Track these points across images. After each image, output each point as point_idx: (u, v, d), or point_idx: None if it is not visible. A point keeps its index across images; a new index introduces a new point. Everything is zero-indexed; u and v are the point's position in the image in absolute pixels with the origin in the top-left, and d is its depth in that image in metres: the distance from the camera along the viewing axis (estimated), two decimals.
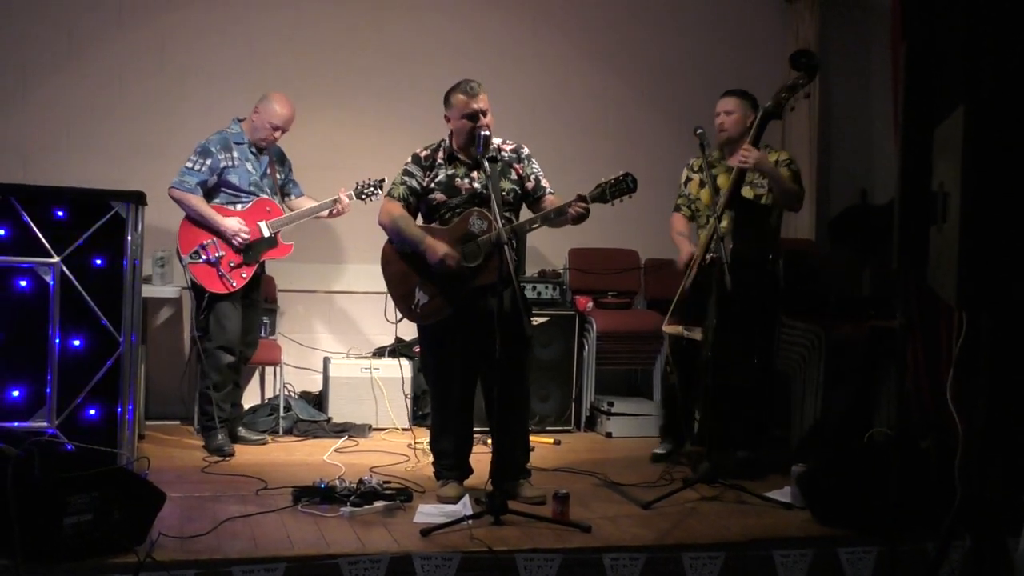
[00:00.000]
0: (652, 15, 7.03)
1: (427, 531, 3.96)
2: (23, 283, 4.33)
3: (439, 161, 4.61)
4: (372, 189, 5.58)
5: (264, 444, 5.60)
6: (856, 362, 5.73)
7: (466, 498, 4.36)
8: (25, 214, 4.32)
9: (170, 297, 5.91)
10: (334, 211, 5.56)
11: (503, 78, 6.29)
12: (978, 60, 4.11)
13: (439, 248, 4.45)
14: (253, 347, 5.70)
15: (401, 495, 4.42)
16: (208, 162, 5.34)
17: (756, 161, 4.92)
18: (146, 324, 5.78)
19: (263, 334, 5.91)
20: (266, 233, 5.41)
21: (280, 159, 5.65)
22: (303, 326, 6.49)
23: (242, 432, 5.61)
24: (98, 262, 4.40)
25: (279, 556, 3.66)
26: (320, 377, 6.28)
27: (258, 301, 5.65)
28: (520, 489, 4.56)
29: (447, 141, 4.64)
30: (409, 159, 4.66)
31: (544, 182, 4.67)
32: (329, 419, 6.00)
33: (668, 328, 5.14)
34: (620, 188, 4.36)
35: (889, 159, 6.55)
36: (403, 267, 4.60)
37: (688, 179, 5.40)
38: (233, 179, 5.39)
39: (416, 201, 4.62)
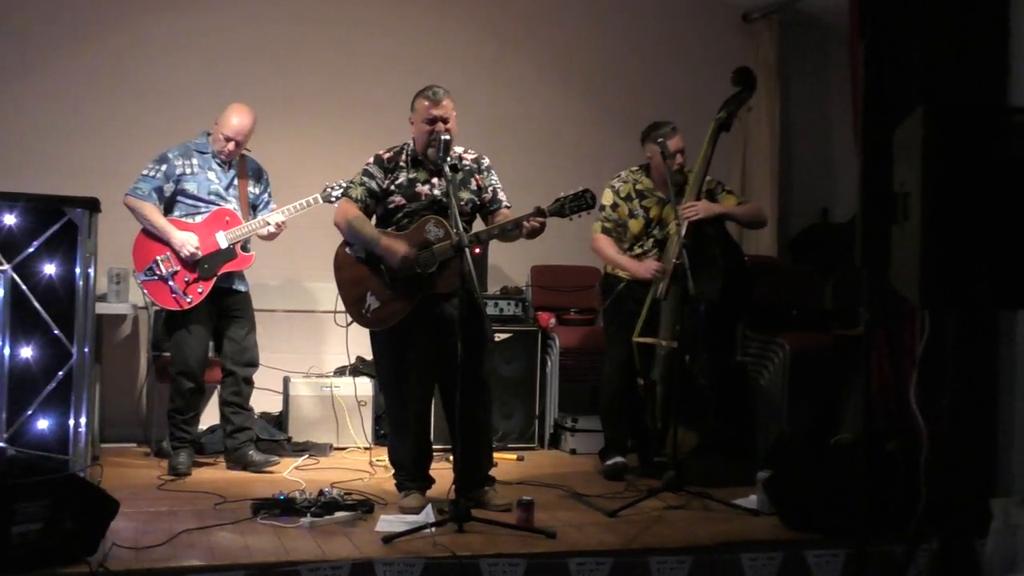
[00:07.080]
0: (612, 36, 7.06)
1: (389, 538, 3.89)
2: None
3: (401, 164, 4.58)
4: (341, 191, 5.27)
5: (275, 465, 5.32)
6: (821, 372, 5.74)
7: (428, 508, 4.28)
8: None
9: (126, 315, 5.79)
10: (268, 233, 5.29)
11: (466, 96, 6.21)
12: (935, 60, 4.16)
13: (398, 248, 4.40)
14: (252, 367, 5.42)
15: (363, 506, 4.35)
16: (164, 168, 5.21)
17: (705, 212, 5.03)
18: (102, 343, 5.65)
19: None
20: (223, 244, 5.22)
21: (256, 175, 5.46)
22: (262, 345, 6.30)
23: (253, 456, 5.32)
24: (50, 271, 4.28)
25: (237, 564, 3.57)
26: (280, 397, 6.18)
27: (239, 318, 5.36)
28: (485, 497, 4.50)
29: (411, 145, 4.61)
30: (371, 160, 4.61)
31: (501, 195, 4.67)
32: (289, 438, 5.89)
33: (642, 339, 5.11)
34: (579, 203, 4.36)
35: (850, 177, 6.59)
36: (356, 272, 4.54)
37: (616, 204, 5.36)
38: (191, 187, 5.24)
39: (374, 203, 4.58)
